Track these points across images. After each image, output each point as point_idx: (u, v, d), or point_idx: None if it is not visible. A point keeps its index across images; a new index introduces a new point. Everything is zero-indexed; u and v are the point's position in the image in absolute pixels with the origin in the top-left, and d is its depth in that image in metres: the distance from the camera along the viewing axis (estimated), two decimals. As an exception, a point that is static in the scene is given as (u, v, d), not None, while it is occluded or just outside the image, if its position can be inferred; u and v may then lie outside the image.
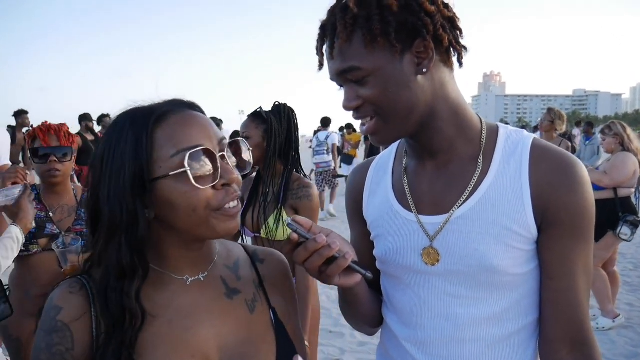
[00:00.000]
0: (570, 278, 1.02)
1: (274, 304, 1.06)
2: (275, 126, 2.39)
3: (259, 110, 2.47)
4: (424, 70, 1.00)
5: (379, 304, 1.25)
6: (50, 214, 2.40)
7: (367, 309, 1.20)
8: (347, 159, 12.19)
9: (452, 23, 1.03)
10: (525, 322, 1.07)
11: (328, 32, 1.01)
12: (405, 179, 1.16)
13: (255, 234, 2.45)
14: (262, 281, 1.08)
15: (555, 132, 5.74)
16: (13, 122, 8.53)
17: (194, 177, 0.85)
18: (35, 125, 2.46)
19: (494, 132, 1.11)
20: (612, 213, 4.42)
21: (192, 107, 0.97)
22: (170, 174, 0.86)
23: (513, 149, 1.06)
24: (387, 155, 1.27)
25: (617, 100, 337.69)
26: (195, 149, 0.87)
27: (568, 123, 7.13)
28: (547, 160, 1.02)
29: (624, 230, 4.37)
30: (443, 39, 1.00)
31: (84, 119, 9.02)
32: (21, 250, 2.20)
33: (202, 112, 0.98)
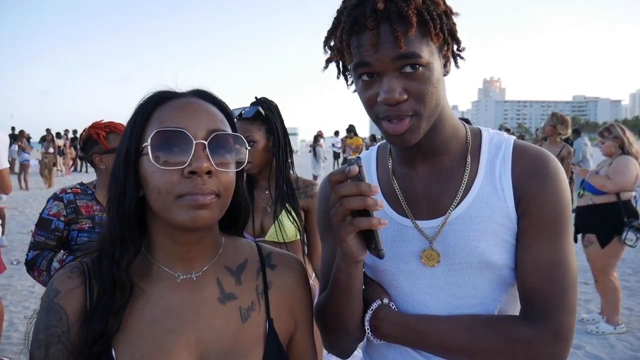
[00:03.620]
0: (539, 272, 1.01)
1: (274, 315, 1.00)
2: (276, 123, 2.27)
3: (257, 109, 2.27)
4: (448, 71, 1.06)
5: (362, 311, 1.12)
6: None
7: (356, 303, 1.07)
8: None
9: None
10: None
11: (393, 16, 0.96)
12: (396, 183, 1.15)
13: (258, 239, 2.25)
14: (267, 289, 1.01)
15: (558, 137, 5.68)
16: (9, 124, 8.44)
17: (158, 158, 0.85)
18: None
19: (477, 134, 1.15)
20: (617, 218, 4.33)
21: (203, 96, 0.95)
22: (141, 148, 0.88)
23: (497, 149, 1.11)
24: (367, 157, 1.25)
25: (617, 107, 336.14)
26: (166, 128, 0.86)
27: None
28: (526, 157, 1.07)
29: (630, 236, 4.28)
30: (461, 46, 1.07)
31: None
32: (80, 249, 2.24)
33: (217, 103, 0.96)
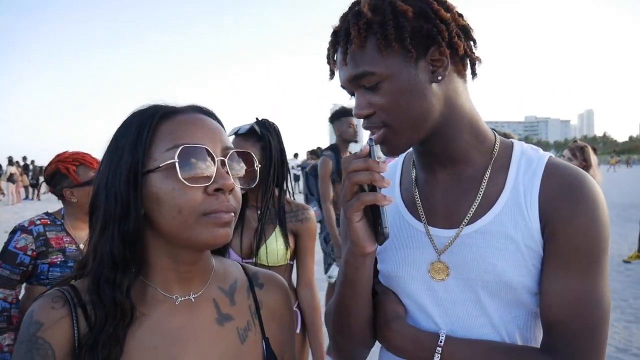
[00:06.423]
0: (565, 305, 0.93)
1: (269, 334, 1.00)
2: (272, 143, 2.16)
3: (252, 126, 2.19)
4: (439, 78, 0.98)
5: (370, 312, 1.09)
6: (82, 247, 2.26)
7: (362, 301, 1.05)
8: None
9: (466, 32, 1.02)
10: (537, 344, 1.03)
11: (341, 38, 1.00)
12: (416, 190, 1.12)
13: (245, 260, 2.12)
14: (258, 308, 1.00)
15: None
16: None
17: (185, 175, 0.81)
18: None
19: (508, 147, 1.08)
20: None
21: (206, 112, 0.93)
22: (160, 165, 0.82)
23: (528, 165, 1.03)
24: (393, 166, 1.24)
25: (566, 126, 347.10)
26: (191, 145, 0.83)
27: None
28: (558, 177, 0.98)
29: None
30: (458, 47, 0.99)
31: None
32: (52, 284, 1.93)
33: (217, 120, 0.95)
